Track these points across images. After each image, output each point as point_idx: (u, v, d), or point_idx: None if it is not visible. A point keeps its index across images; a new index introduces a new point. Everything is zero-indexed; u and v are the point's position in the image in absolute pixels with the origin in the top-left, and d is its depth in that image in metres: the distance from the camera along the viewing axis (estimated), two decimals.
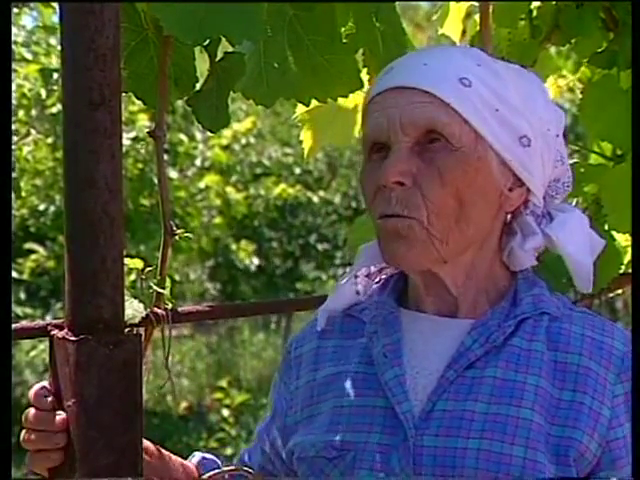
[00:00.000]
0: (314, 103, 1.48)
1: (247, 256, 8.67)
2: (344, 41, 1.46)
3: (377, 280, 1.29)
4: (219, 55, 1.40)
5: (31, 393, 1.14)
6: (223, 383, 8.02)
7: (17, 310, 6.15)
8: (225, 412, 7.40)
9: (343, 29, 1.47)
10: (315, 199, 9.33)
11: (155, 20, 1.31)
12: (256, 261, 8.92)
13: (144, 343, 1.31)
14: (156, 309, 1.40)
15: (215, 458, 1.38)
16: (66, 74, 1.09)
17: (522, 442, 1.09)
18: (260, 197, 8.83)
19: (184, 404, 8.40)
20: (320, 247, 9.97)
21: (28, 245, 6.25)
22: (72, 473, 1.11)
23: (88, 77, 1.07)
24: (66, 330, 1.10)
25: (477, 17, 1.75)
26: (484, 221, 1.16)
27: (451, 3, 1.92)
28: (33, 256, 6.25)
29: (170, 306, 1.42)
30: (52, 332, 1.13)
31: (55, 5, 4.14)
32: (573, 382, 1.13)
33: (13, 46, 4.43)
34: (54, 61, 4.53)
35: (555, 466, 1.10)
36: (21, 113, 4.49)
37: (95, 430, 1.09)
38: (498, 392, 1.12)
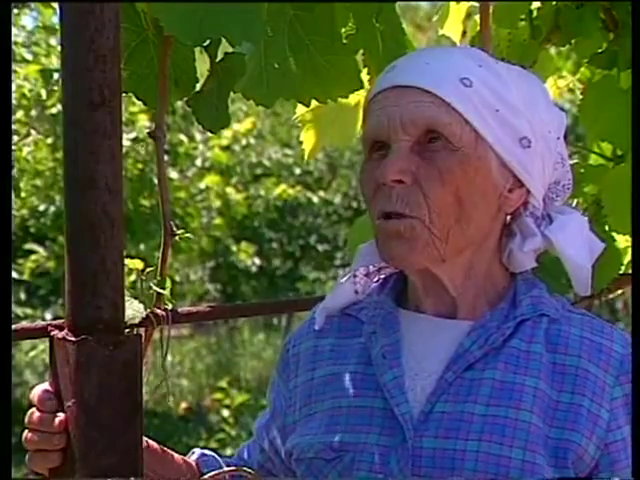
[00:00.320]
0: (314, 103, 1.48)
1: (247, 257, 8.67)
2: (344, 42, 1.46)
3: (376, 279, 1.28)
4: (219, 56, 1.40)
5: (33, 395, 1.14)
6: (223, 383, 8.01)
7: (17, 311, 6.15)
8: (225, 412, 7.39)
9: (343, 30, 1.47)
10: (315, 200, 9.32)
11: (155, 20, 1.31)
12: (256, 262, 8.92)
13: (144, 344, 1.31)
14: (156, 310, 1.40)
15: (214, 454, 1.38)
16: (66, 74, 1.09)
17: (521, 444, 1.09)
18: (260, 198, 8.83)
19: (184, 404, 8.40)
20: (320, 248, 9.97)
21: (28, 245, 6.24)
22: (72, 473, 1.11)
23: (88, 78, 1.07)
24: (66, 331, 1.10)
25: (477, 18, 1.75)
26: (483, 221, 1.16)
27: (451, 4, 1.92)
28: (33, 256, 6.24)
29: (170, 306, 1.42)
30: (52, 333, 1.13)
31: (55, 5, 4.14)
32: (572, 384, 1.13)
33: (13, 46, 4.43)
34: (54, 61, 4.54)
35: (553, 468, 1.10)
36: (21, 113, 4.49)
37: (95, 430, 1.09)
38: (497, 394, 1.12)
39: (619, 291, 1.72)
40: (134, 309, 1.36)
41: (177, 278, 7.16)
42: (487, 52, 1.28)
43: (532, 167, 1.17)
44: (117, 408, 1.09)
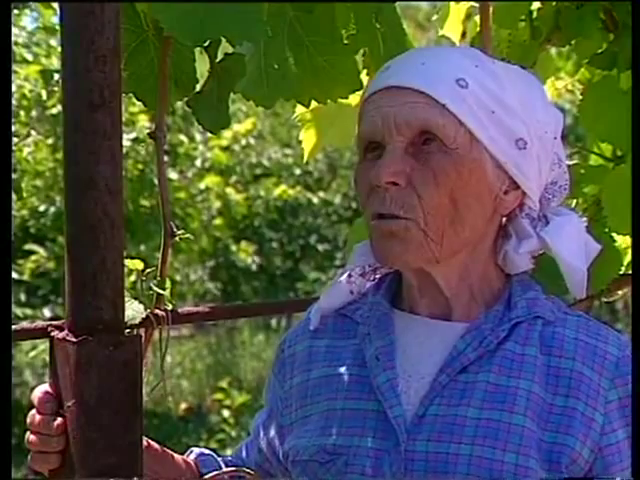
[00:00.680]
0: (314, 104, 1.48)
1: (247, 256, 8.67)
2: (345, 42, 1.46)
3: (372, 279, 1.28)
4: (219, 56, 1.40)
5: (34, 397, 1.15)
6: (223, 384, 8.01)
7: (17, 311, 6.14)
8: (225, 413, 7.39)
9: (344, 30, 1.47)
10: (315, 200, 9.32)
11: (155, 21, 1.31)
12: (257, 261, 8.92)
13: (144, 344, 1.31)
14: (156, 310, 1.40)
15: (213, 454, 1.38)
16: (66, 75, 1.09)
17: (514, 448, 1.09)
18: (260, 198, 8.83)
19: (184, 405, 8.40)
20: (320, 248, 9.96)
21: (28, 246, 6.24)
22: (71, 474, 1.11)
23: (88, 78, 1.07)
24: (66, 331, 1.10)
25: (477, 18, 1.75)
26: (478, 223, 1.16)
27: (451, 4, 1.92)
28: (33, 257, 6.24)
29: (170, 307, 1.42)
30: (52, 333, 1.13)
31: (55, 6, 4.14)
32: (566, 387, 1.12)
33: (14, 47, 4.43)
34: (55, 62, 4.53)
35: (547, 472, 1.09)
36: (21, 114, 4.49)
37: (95, 431, 1.09)
38: (490, 397, 1.12)
39: (619, 292, 1.72)
40: (134, 309, 1.36)
41: (177, 278, 7.16)
42: (486, 52, 1.28)
43: (528, 168, 1.16)
44: (117, 408, 1.09)
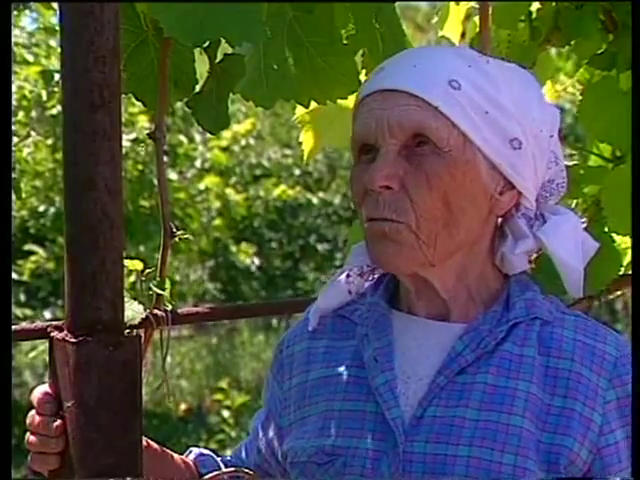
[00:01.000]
0: (313, 104, 1.48)
1: (247, 257, 8.67)
2: (345, 42, 1.46)
3: (370, 278, 1.27)
4: (219, 57, 1.40)
5: (33, 397, 1.14)
6: (223, 384, 8.00)
7: (17, 312, 6.15)
8: (225, 413, 7.39)
9: (343, 31, 1.47)
10: (315, 200, 9.33)
11: (155, 22, 1.31)
12: (256, 262, 8.92)
13: (144, 344, 1.31)
14: (156, 310, 1.40)
15: (212, 454, 1.38)
16: (66, 76, 1.09)
17: (512, 450, 1.09)
18: (260, 198, 8.84)
19: (184, 405, 8.40)
20: (320, 248, 9.97)
21: (28, 246, 6.25)
22: (71, 475, 1.11)
23: (88, 79, 1.07)
24: (66, 332, 1.10)
25: (477, 19, 1.75)
26: (474, 225, 1.15)
27: (451, 5, 1.92)
28: (33, 257, 6.25)
29: (170, 307, 1.42)
30: (52, 334, 1.13)
31: (55, 6, 4.14)
32: (564, 388, 1.12)
33: (14, 47, 4.43)
34: (55, 63, 4.54)
35: (545, 473, 1.09)
36: (21, 115, 4.49)
37: (95, 431, 1.09)
38: (489, 399, 1.11)
39: (618, 292, 1.72)
40: (134, 310, 1.36)
41: (177, 278, 7.16)
42: (484, 52, 1.28)
43: (523, 168, 1.15)
44: (117, 409, 1.09)
